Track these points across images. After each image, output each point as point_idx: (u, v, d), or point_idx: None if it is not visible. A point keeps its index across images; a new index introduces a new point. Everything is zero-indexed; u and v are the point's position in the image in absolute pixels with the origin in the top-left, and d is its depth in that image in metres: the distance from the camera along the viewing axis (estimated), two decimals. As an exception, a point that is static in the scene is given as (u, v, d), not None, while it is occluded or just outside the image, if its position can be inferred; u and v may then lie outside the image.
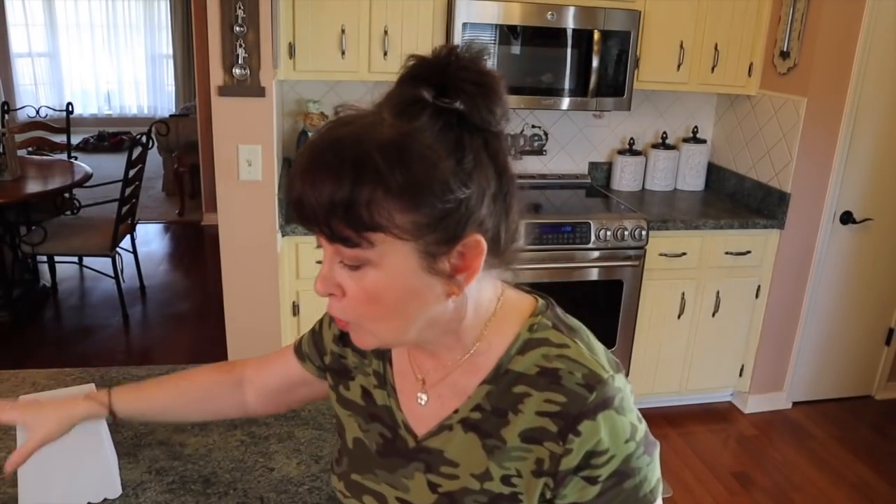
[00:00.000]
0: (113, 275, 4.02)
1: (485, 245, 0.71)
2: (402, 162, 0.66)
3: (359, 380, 0.91)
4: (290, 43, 2.65)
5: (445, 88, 0.69)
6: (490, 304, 0.80)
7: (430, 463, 0.82)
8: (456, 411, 0.80)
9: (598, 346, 0.80)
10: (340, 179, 0.65)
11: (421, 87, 0.69)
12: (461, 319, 0.77)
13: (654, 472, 0.79)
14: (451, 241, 0.70)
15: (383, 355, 0.89)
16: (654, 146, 3.44)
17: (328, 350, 0.96)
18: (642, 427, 0.78)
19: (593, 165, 3.50)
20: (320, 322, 1.00)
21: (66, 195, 4.39)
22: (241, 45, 2.34)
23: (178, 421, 1.29)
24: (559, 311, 0.83)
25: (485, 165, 0.70)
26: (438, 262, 0.70)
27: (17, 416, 1.03)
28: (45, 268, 4.46)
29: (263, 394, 1.08)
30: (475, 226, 0.70)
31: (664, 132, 3.43)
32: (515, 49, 2.87)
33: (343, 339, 0.93)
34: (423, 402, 0.84)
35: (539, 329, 0.79)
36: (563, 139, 3.43)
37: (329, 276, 0.73)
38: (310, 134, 3.01)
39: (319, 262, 0.75)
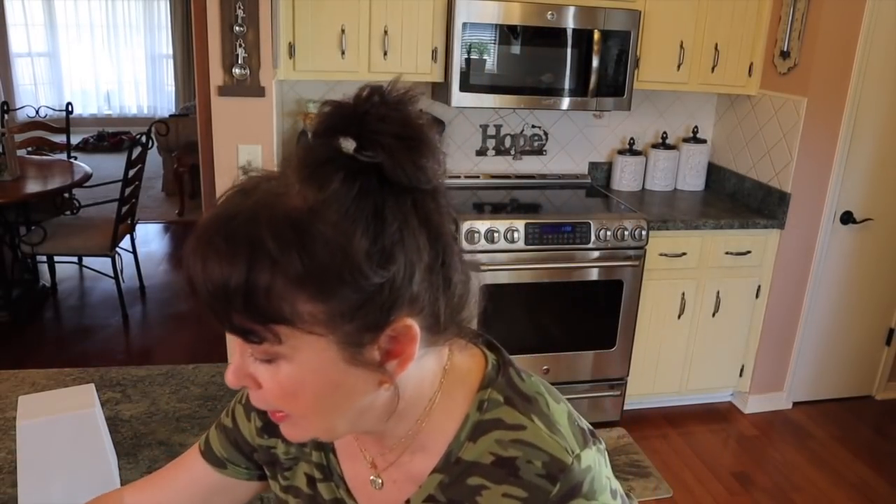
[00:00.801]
0: (113, 275, 4.02)
1: (417, 330, 0.61)
2: (303, 246, 0.55)
3: (302, 467, 0.80)
4: (289, 43, 2.64)
5: (363, 141, 0.59)
6: (435, 378, 0.69)
7: None
8: (408, 501, 0.72)
9: (562, 417, 0.70)
10: (233, 265, 0.56)
11: (337, 138, 0.60)
12: (397, 405, 0.67)
13: None
14: (376, 328, 0.60)
15: (324, 446, 0.79)
16: (654, 146, 3.44)
17: (254, 446, 0.83)
18: (618, 501, 0.70)
19: (593, 165, 3.50)
20: (231, 415, 0.86)
21: (66, 195, 4.38)
22: (240, 45, 2.34)
23: None
24: (512, 372, 0.72)
25: (415, 234, 0.59)
26: (364, 351, 0.60)
27: None
28: (44, 268, 4.45)
29: None
30: (405, 307, 0.60)
31: (664, 132, 3.43)
32: (515, 49, 2.87)
33: (267, 429, 0.81)
34: (377, 487, 0.75)
35: (490, 408, 0.69)
36: (563, 139, 3.42)
37: (241, 367, 0.63)
38: (310, 134, 3.00)
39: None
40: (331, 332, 0.58)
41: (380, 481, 0.75)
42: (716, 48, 3.02)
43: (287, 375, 0.61)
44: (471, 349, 0.74)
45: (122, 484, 1.18)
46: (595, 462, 0.68)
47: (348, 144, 0.60)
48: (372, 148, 0.58)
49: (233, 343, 0.64)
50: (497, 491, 0.67)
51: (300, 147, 0.62)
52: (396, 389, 0.65)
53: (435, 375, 0.69)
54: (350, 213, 0.57)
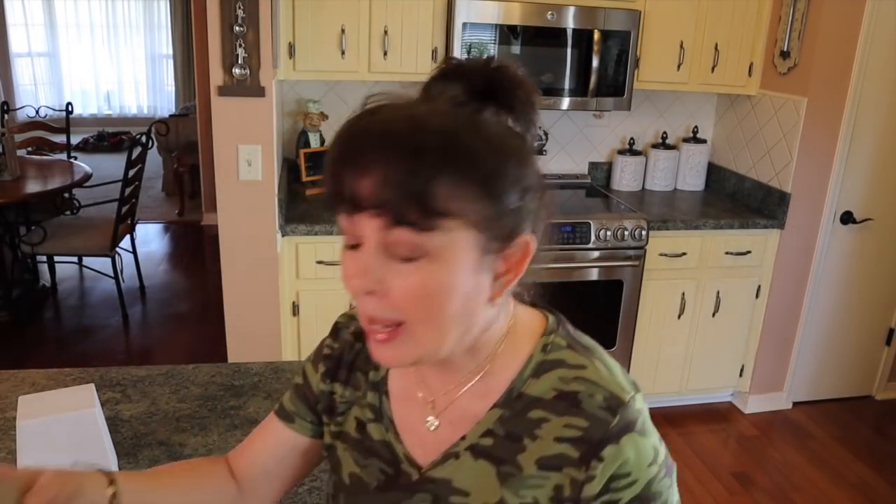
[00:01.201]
0: (113, 275, 4.02)
1: (534, 247, 0.69)
2: (489, 146, 0.64)
3: (353, 412, 0.85)
4: (289, 43, 2.64)
5: (491, 92, 0.68)
6: (502, 322, 0.75)
7: (437, 494, 0.77)
8: (463, 438, 0.76)
9: (615, 365, 0.77)
10: (423, 154, 0.60)
11: (462, 86, 0.68)
12: (487, 330, 0.73)
13: (674, 495, 0.76)
14: (509, 238, 0.67)
15: (379, 387, 0.83)
16: (654, 146, 3.44)
17: (317, 394, 0.88)
18: (663, 449, 0.75)
19: (593, 165, 3.50)
20: (303, 373, 0.91)
21: (66, 195, 4.39)
22: (240, 45, 2.34)
23: None
24: (570, 327, 0.80)
25: (537, 164, 0.70)
26: (493, 259, 0.67)
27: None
28: (44, 268, 4.45)
29: (256, 483, 0.91)
30: (529, 224, 0.68)
31: (664, 132, 3.43)
32: (515, 49, 2.87)
33: (329, 373, 0.86)
34: (433, 428, 0.78)
35: (553, 349, 0.75)
36: (563, 139, 3.42)
37: (369, 269, 0.64)
38: (310, 134, 3.00)
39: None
40: (480, 233, 0.64)
41: (436, 422, 0.78)
42: (716, 48, 3.02)
43: (427, 274, 0.64)
44: (530, 308, 0.80)
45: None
46: (645, 408, 0.74)
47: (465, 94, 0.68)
48: (500, 99, 0.68)
49: (354, 256, 0.66)
50: (558, 422, 0.72)
51: (432, 87, 0.69)
52: (497, 310, 0.72)
53: (504, 319, 0.76)
54: (507, 130, 0.67)
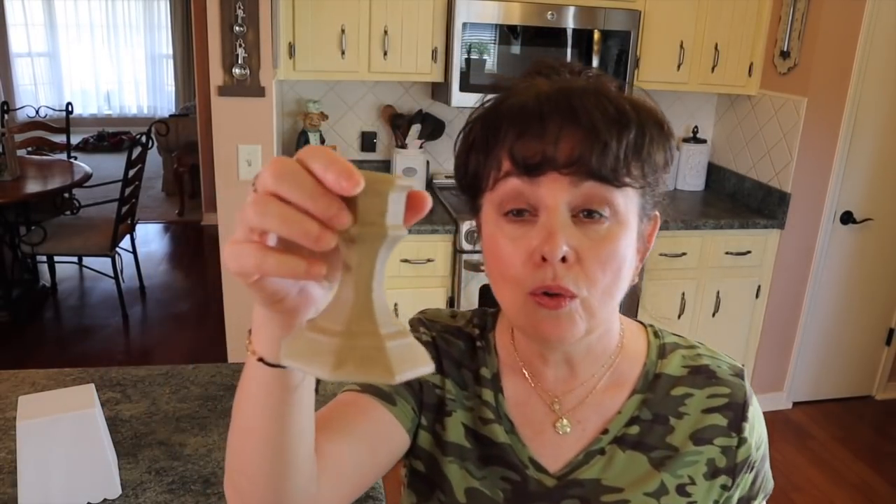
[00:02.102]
0: (112, 275, 4.02)
1: (660, 220, 0.73)
2: (656, 113, 0.67)
3: (457, 416, 0.76)
4: (289, 43, 2.64)
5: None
6: (618, 319, 0.78)
7: (585, 497, 0.73)
8: (605, 432, 0.73)
9: None
10: (619, 118, 0.63)
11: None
12: (614, 311, 0.73)
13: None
14: (653, 206, 0.70)
15: (495, 384, 0.76)
16: (655, 146, 3.43)
17: (422, 381, 0.76)
18: None
19: (593, 165, 3.49)
20: None
21: (66, 195, 4.38)
22: (240, 45, 2.34)
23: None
24: None
25: None
26: (644, 223, 0.70)
27: None
28: (44, 268, 4.45)
29: (340, 469, 0.66)
30: (660, 199, 0.71)
31: (664, 132, 3.42)
32: (515, 49, 2.87)
33: (437, 365, 0.76)
34: (566, 432, 0.74)
35: (663, 335, 0.79)
36: (564, 139, 3.42)
37: (558, 233, 0.62)
38: (310, 134, 3.00)
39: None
40: (643, 198, 0.67)
41: (569, 427, 0.74)
42: (716, 48, 3.02)
43: (610, 234, 0.64)
44: None
45: (121, 484, 1.18)
46: None
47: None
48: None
49: (521, 230, 0.65)
50: (702, 395, 0.75)
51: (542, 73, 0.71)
52: (636, 280, 0.71)
53: (618, 316, 0.77)
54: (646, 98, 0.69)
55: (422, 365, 0.42)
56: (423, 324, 0.82)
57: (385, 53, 2.72)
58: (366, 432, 0.70)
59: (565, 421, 0.74)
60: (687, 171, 3.44)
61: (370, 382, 0.63)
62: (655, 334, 0.79)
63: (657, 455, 0.73)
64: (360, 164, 2.97)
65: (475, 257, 2.70)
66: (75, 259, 4.49)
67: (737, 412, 0.74)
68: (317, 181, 0.39)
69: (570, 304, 0.63)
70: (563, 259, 0.62)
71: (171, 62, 8.87)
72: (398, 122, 3.08)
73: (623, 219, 0.65)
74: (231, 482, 0.59)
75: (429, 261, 2.73)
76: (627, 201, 0.65)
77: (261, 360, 0.51)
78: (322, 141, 3.03)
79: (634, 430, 0.73)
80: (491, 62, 2.85)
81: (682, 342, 0.79)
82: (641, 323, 0.81)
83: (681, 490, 0.72)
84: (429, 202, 0.44)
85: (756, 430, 0.75)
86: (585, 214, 0.63)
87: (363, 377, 0.40)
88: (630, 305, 3.00)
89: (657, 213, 0.72)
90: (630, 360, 0.76)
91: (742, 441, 0.73)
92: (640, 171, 0.65)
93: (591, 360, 0.74)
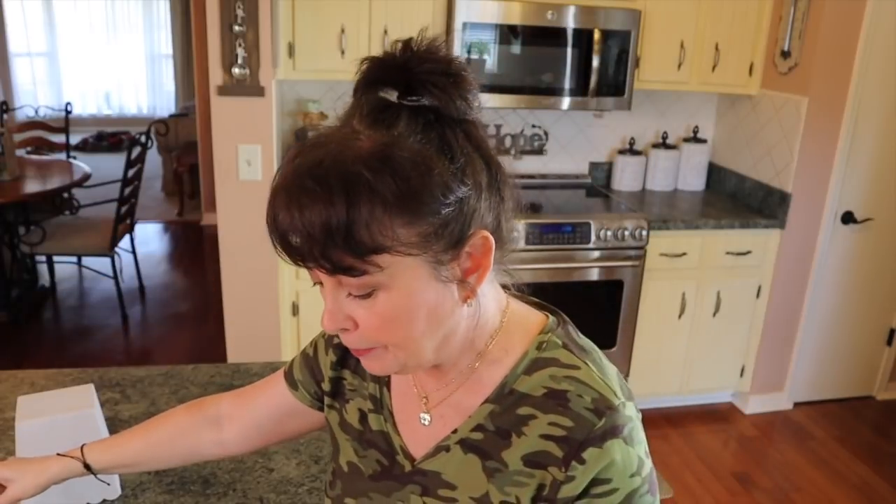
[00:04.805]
0: (112, 275, 4.01)
1: (492, 240, 0.68)
2: (395, 172, 0.61)
3: (356, 402, 0.87)
4: (289, 43, 2.64)
5: (412, 86, 0.65)
6: (495, 317, 0.75)
7: (426, 486, 0.78)
8: (455, 431, 0.77)
9: (611, 370, 0.76)
10: (331, 204, 0.60)
11: (383, 89, 0.66)
12: (474, 328, 0.73)
13: None
14: (459, 244, 0.66)
15: (381, 378, 0.85)
16: (655, 146, 3.43)
17: (325, 375, 0.90)
18: (649, 463, 0.73)
19: (593, 165, 3.49)
20: (314, 346, 0.94)
21: (65, 195, 4.38)
22: (240, 45, 2.34)
23: (155, 468, 1.08)
24: (572, 328, 0.79)
25: (473, 158, 0.67)
26: (449, 268, 0.67)
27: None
28: (44, 268, 4.45)
29: (245, 429, 0.99)
30: (478, 222, 0.67)
31: (665, 132, 3.42)
32: (515, 49, 2.87)
33: (341, 362, 0.89)
34: (426, 423, 0.80)
35: (548, 348, 0.75)
36: (564, 139, 3.42)
37: (336, 309, 0.68)
38: (310, 134, 3.00)
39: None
40: (423, 252, 0.64)
41: (428, 418, 0.80)
42: (716, 48, 3.02)
43: (385, 304, 0.66)
44: (530, 306, 0.81)
45: (120, 485, 1.18)
46: (636, 416, 0.73)
47: (390, 95, 0.66)
48: (421, 90, 0.65)
49: (322, 292, 0.69)
50: (544, 420, 0.71)
51: (353, 103, 0.68)
52: (477, 307, 0.72)
53: (495, 315, 0.76)
54: (423, 142, 0.64)
55: None
56: None
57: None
58: (268, 406, 0.98)
59: (427, 414, 0.80)
60: (687, 171, 3.44)
61: None
62: (540, 345, 0.74)
63: (490, 465, 0.74)
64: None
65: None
66: (74, 259, 4.49)
67: (572, 448, 0.69)
68: None
69: (374, 352, 0.71)
70: (347, 329, 0.69)
71: (170, 62, 8.86)
72: (398, 122, 3.07)
73: (395, 284, 0.65)
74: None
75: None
76: (395, 267, 0.64)
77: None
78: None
79: (478, 436, 0.75)
80: (491, 62, 2.84)
81: (564, 359, 0.73)
82: (549, 330, 0.76)
83: None
84: None
85: (597, 474, 0.68)
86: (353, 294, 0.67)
87: None
88: (630, 305, 3.00)
89: (483, 233, 0.67)
90: (493, 368, 0.75)
91: (569, 479, 0.69)
92: (393, 242, 0.62)
93: (452, 365, 0.76)
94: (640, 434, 0.72)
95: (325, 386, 0.91)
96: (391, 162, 0.62)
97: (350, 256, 0.62)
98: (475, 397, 0.76)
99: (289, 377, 0.96)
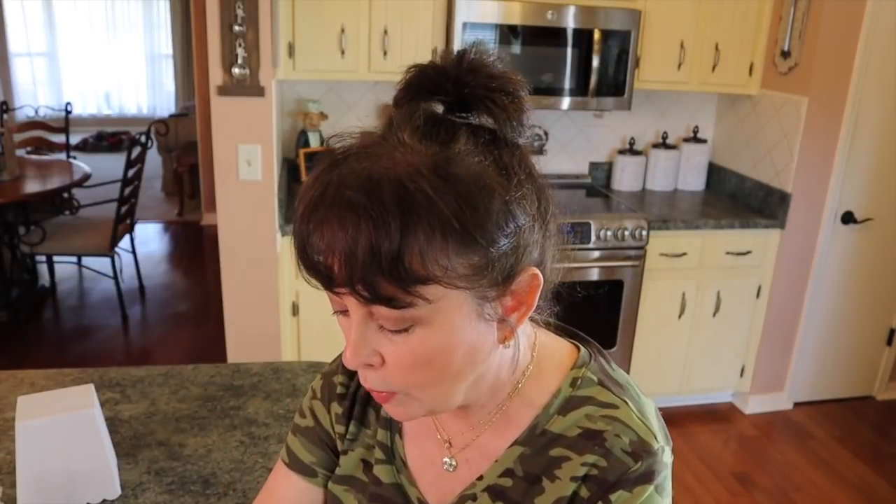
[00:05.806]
0: (112, 275, 4.01)
1: (542, 278, 0.61)
2: (459, 193, 0.54)
3: (357, 452, 0.78)
4: (289, 43, 2.64)
5: (466, 101, 0.60)
6: (525, 354, 0.69)
7: None
8: (480, 478, 0.70)
9: (650, 407, 0.70)
10: (384, 223, 0.52)
11: (432, 101, 0.60)
12: (512, 371, 0.67)
13: None
14: (508, 279, 0.59)
15: (392, 424, 0.76)
16: (655, 146, 3.43)
17: (334, 438, 0.80)
18: None
19: (593, 165, 3.49)
20: (311, 413, 0.82)
21: (65, 195, 4.37)
22: (240, 45, 2.34)
23: None
24: (604, 360, 0.73)
25: (525, 185, 0.60)
26: (493, 305, 0.60)
27: None
28: (43, 268, 4.44)
29: None
30: (528, 257, 0.60)
31: (665, 132, 3.42)
32: (515, 49, 2.87)
33: (347, 415, 0.79)
34: (451, 469, 0.72)
35: (583, 385, 0.69)
36: (564, 139, 3.42)
37: (362, 343, 0.59)
38: (310, 134, 3.00)
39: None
40: (472, 286, 0.57)
41: (454, 463, 0.72)
42: (716, 48, 3.02)
43: (422, 341, 0.58)
44: (557, 336, 0.74)
45: (121, 485, 1.18)
46: (670, 464, 0.68)
47: (437, 108, 0.60)
48: (478, 107, 0.59)
49: (341, 321, 0.61)
50: (578, 461, 0.66)
51: (399, 113, 0.61)
52: (515, 347, 0.66)
53: (526, 350, 0.69)
54: (483, 163, 0.57)
55: None
56: (345, 372, 0.81)
57: (385, 53, 2.72)
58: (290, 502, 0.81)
59: (450, 459, 0.73)
60: (687, 171, 3.44)
61: None
62: (574, 382, 0.69)
63: None
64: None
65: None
66: (74, 259, 4.49)
67: (601, 488, 0.64)
68: None
69: (396, 397, 0.63)
70: (372, 365, 0.61)
71: (170, 62, 8.86)
72: (398, 122, 3.07)
73: (436, 319, 0.57)
74: None
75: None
76: (439, 304, 0.56)
77: None
78: (322, 141, 3.02)
79: (507, 482, 0.69)
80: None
81: (602, 397, 0.68)
82: (583, 365, 0.71)
83: None
84: None
85: None
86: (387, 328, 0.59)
87: None
88: (630, 305, 2.99)
89: (532, 270, 0.60)
90: (523, 409, 0.69)
91: None
92: (442, 274, 0.54)
93: (480, 406, 0.70)
94: (669, 485, 0.68)
95: (341, 447, 0.80)
96: (455, 181, 0.54)
97: (394, 285, 0.54)
98: (503, 440, 0.70)
99: (297, 466, 0.81)
